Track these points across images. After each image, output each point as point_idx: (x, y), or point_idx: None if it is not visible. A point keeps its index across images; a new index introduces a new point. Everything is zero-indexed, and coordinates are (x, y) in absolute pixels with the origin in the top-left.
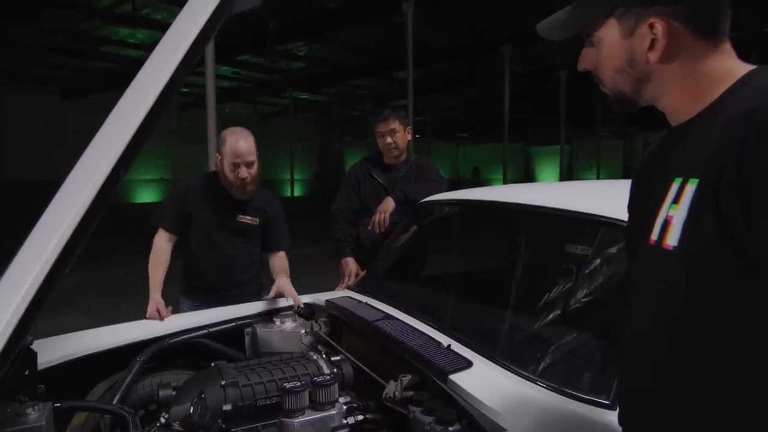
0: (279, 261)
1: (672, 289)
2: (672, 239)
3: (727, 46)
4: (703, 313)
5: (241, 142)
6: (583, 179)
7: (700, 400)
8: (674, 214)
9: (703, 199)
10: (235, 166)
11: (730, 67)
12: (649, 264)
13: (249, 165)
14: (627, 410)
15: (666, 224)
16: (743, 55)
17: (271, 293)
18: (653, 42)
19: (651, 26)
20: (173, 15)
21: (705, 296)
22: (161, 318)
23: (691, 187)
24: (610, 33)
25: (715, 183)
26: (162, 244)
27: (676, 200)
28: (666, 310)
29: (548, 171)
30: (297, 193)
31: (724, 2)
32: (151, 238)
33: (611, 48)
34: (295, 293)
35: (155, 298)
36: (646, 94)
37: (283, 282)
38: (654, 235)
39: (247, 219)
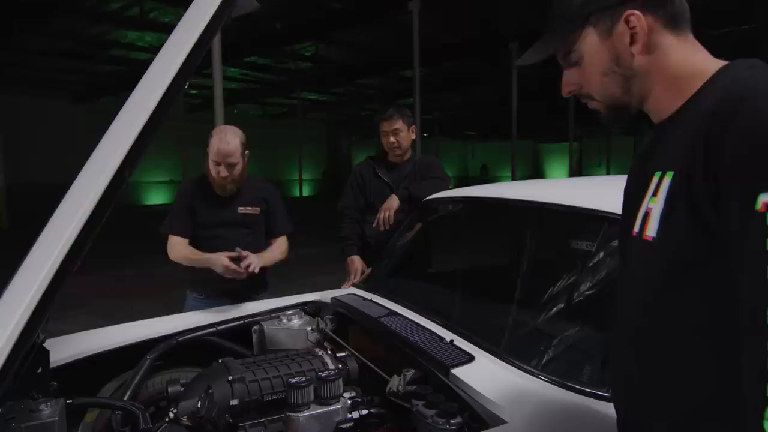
0: (275, 244)
1: (653, 278)
2: (651, 230)
3: (692, 38)
4: (682, 299)
5: (223, 144)
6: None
7: (686, 387)
8: (653, 206)
9: (678, 190)
10: (216, 164)
11: (702, 61)
12: (632, 256)
13: (230, 166)
14: (619, 403)
15: (646, 216)
16: (754, 49)
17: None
18: (633, 36)
19: (627, 21)
20: (180, 17)
21: (684, 283)
22: (240, 264)
23: (667, 180)
24: (589, 40)
25: (687, 174)
26: (178, 244)
27: (654, 193)
28: (648, 300)
29: (558, 168)
30: (306, 193)
31: None
32: (161, 241)
33: (594, 54)
34: (254, 258)
35: (216, 255)
36: (636, 92)
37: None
38: (636, 228)
39: (248, 209)
